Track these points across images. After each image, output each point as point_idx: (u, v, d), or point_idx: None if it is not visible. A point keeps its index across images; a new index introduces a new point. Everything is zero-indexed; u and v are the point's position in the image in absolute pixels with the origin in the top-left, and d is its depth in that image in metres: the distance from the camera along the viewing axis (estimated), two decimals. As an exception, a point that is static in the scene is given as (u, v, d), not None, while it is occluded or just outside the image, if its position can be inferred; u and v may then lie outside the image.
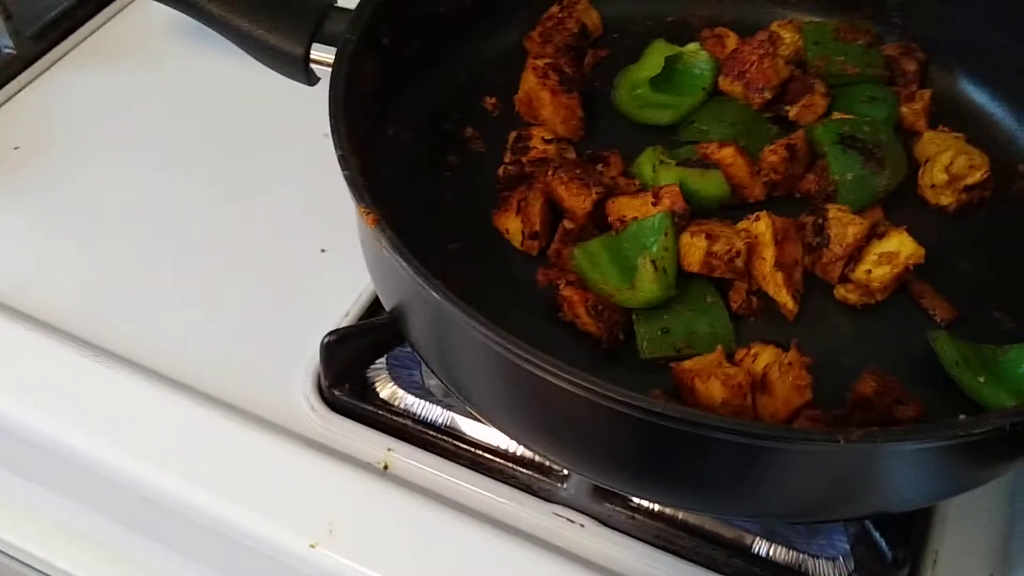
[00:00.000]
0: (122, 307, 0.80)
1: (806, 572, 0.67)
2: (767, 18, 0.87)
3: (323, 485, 0.70)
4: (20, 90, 0.96)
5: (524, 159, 0.75)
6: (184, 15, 0.81)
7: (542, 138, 0.77)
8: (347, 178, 0.62)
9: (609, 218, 0.72)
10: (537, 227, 0.72)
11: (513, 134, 0.78)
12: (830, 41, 0.83)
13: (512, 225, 0.73)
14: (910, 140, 0.80)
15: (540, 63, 0.80)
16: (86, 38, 1.02)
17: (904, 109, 0.81)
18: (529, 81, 0.80)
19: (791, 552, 0.68)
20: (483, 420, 0.65)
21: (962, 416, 0.53)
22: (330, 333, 0.72)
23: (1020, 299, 0.71)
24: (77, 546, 0.79)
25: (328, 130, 0.90)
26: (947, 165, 0.76)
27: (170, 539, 0.76)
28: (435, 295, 0.56)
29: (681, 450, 0.56)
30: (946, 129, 0.80)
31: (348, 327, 0.75)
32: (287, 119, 0.93)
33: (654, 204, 0.70)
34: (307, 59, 0.74)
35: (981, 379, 0.63)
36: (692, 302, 0.68)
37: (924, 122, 0.81)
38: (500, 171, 0.76)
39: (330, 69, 0.70)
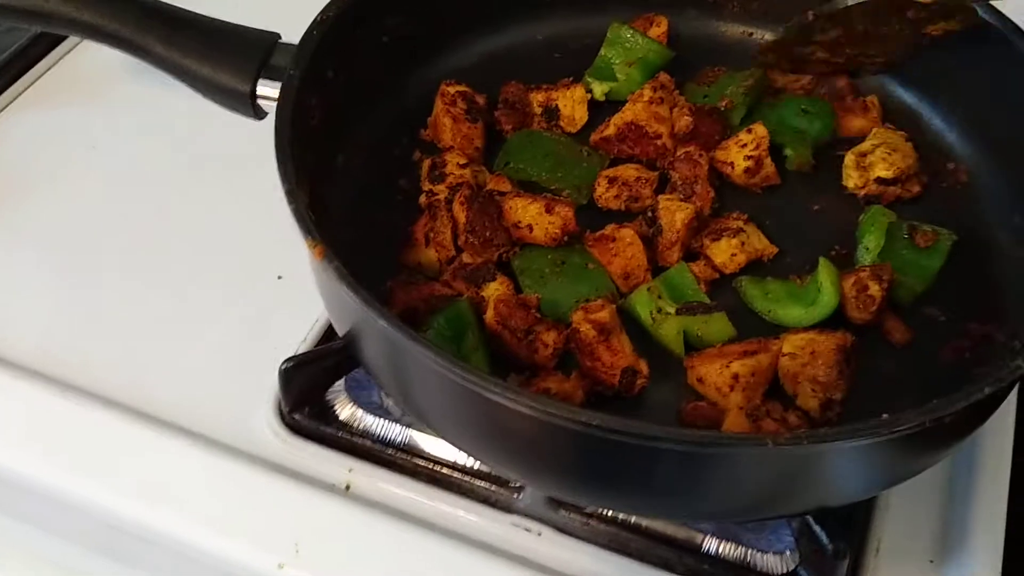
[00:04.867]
0: (87, 344, 0.82)
1: (754, 567, 0.70)
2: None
3: (289, 507, 0.72)
4: (-22, 132, 0.98)
5: (443, 185, 0.77)
6: (131, 55, 0.83)
7: (457, 163, 0.79)
8: (294, 212, 0.64)
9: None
10: (452, 252, 0.75)
11: (427, 162, 0.79)
12: (697, 90, 0.86)
13: (424, 257, 0.75)
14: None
15: (451, 90, 0.82)
16: (40, 76, 1.04)
17: (860, 121, 0.84)
18: (437, 106, 0.82)
19: (739, 548, 0.71)
20: (438, 436, 0.67)
21: (884, 415, 0.55)
22: (287, 360, 0.74)
23: (949, 294, 0.74)
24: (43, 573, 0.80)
25: (281, 159, 0.94)
26: (865, 151, 0.79)
27: (141, 563, 0.78)
28: (382, 322, 0.59)
29: (618, 459, 0.58)
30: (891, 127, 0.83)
31: (304, 353, 0.77)
32: (240, 148, 0.94)
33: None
34: (254, 95, 0.75)
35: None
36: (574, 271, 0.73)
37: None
38: (422, 200, 0.77)
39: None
